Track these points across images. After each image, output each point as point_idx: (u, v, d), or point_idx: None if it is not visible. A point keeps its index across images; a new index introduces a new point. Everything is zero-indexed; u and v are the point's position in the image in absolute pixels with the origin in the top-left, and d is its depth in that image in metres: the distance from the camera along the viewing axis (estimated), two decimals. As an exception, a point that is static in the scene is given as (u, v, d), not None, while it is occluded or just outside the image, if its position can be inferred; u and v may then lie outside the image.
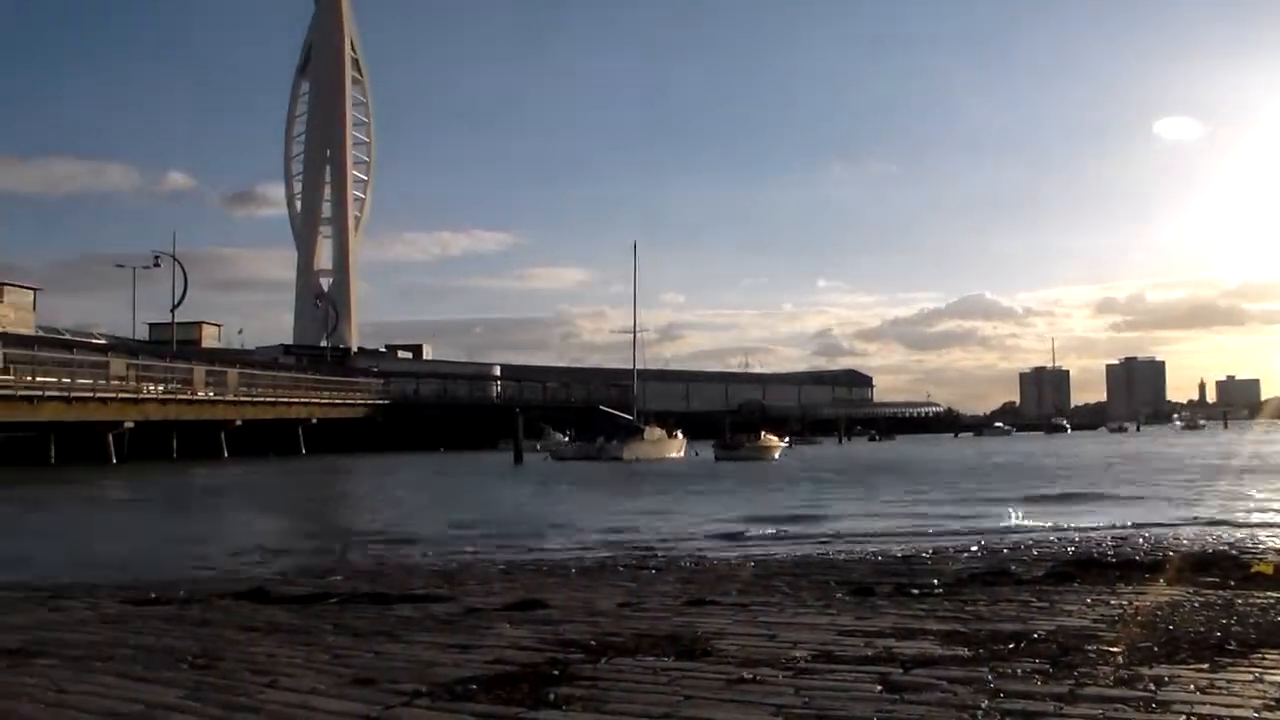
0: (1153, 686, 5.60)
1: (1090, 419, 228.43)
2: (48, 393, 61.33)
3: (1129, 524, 22.11)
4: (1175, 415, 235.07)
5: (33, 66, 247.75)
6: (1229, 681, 5.76)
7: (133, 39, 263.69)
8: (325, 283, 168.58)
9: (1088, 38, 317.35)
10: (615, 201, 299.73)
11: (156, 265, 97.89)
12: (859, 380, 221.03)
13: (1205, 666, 6.12)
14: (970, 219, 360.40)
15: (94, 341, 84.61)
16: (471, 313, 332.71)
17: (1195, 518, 23.80)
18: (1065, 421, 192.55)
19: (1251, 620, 7.91)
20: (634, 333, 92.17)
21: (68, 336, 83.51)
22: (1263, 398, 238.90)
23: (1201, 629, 7.47)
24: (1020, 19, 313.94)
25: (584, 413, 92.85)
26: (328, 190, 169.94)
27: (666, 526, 24.28)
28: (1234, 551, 14.72)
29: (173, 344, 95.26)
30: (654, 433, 76.08)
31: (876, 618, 8.38)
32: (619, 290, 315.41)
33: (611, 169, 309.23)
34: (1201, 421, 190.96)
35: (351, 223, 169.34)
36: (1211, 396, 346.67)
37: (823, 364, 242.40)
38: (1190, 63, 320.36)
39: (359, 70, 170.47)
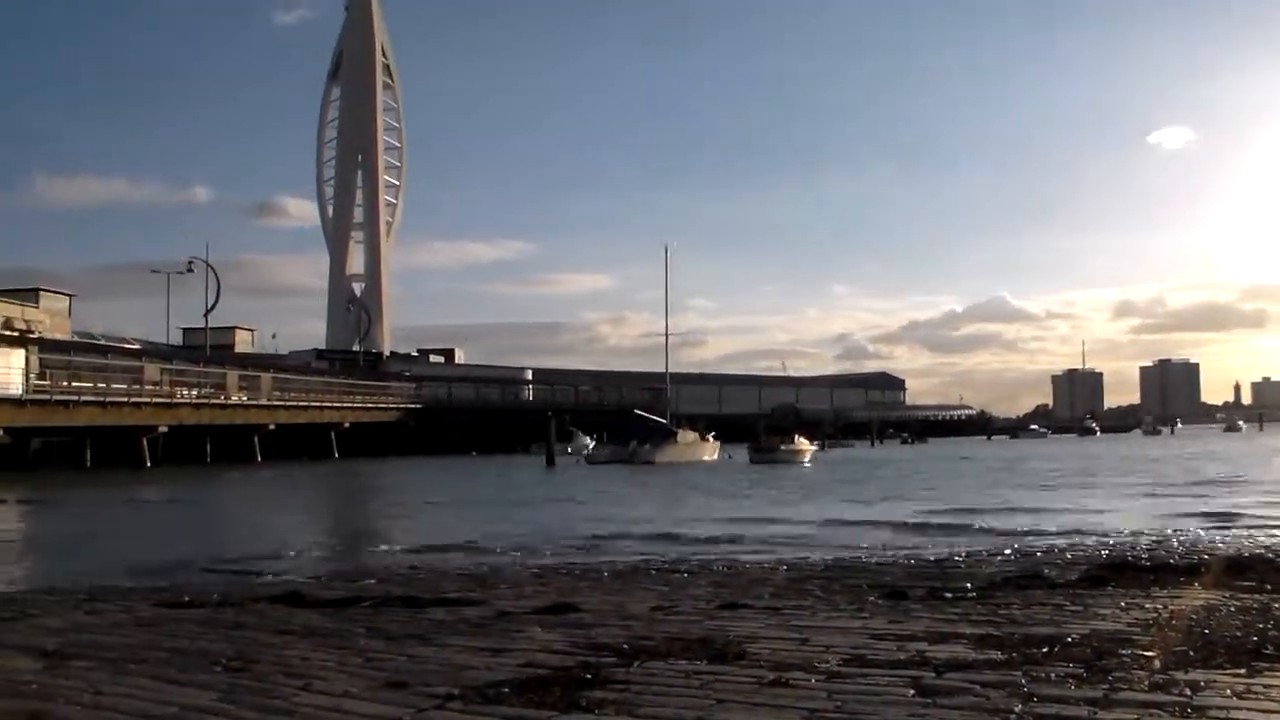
0: (1188, 691, 5.57)
1: (1122, 422, 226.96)
2: (83, 398, 61.67)
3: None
4: (1219, 415, 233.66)
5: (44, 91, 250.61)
6: (1266, 687, 5.71)
7: (146, 58, 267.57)
8: (357, 287, 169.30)
9: (1091, 43, 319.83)
10: (628, 209, 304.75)
11: (190, 270, 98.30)
12: (891, 383, 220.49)
13: (1242, 671, 6.07)
14: (977, 223, 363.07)
15: (128, 347, 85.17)
16: (490, 318, 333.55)
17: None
18: (1095, 424, 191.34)
19: (1288, 624, 7.85)
20: (665, 336, 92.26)
21: (103, 342, 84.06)
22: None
23: (1238, 633, 7.42)
24: (1023, 23, 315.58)
25: (617, 416, 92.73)
26: (359, 195, 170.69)
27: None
28: (1270, 555, 14.59)
29: (206, 349, 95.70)
30: (687, 436, 75.81)
31: (909, 621, 8.35)
32: (639, 296, 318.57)
33: (621, 177, 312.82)
34: (1240, 423, 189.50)
35: (383, 227, 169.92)
36: (1247, 398, 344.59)
37: (848, 368, 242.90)
38: (1193, 70, 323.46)
39: (390, 75, 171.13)
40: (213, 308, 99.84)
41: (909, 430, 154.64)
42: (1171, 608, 8.85)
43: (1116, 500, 32.03)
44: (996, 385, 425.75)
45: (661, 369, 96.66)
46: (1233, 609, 8.69)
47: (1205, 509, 26.76)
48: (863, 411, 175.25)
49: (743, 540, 21.00)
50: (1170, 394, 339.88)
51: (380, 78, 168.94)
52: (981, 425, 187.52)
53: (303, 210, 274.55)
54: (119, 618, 9.77)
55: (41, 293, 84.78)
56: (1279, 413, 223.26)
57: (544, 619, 8.88)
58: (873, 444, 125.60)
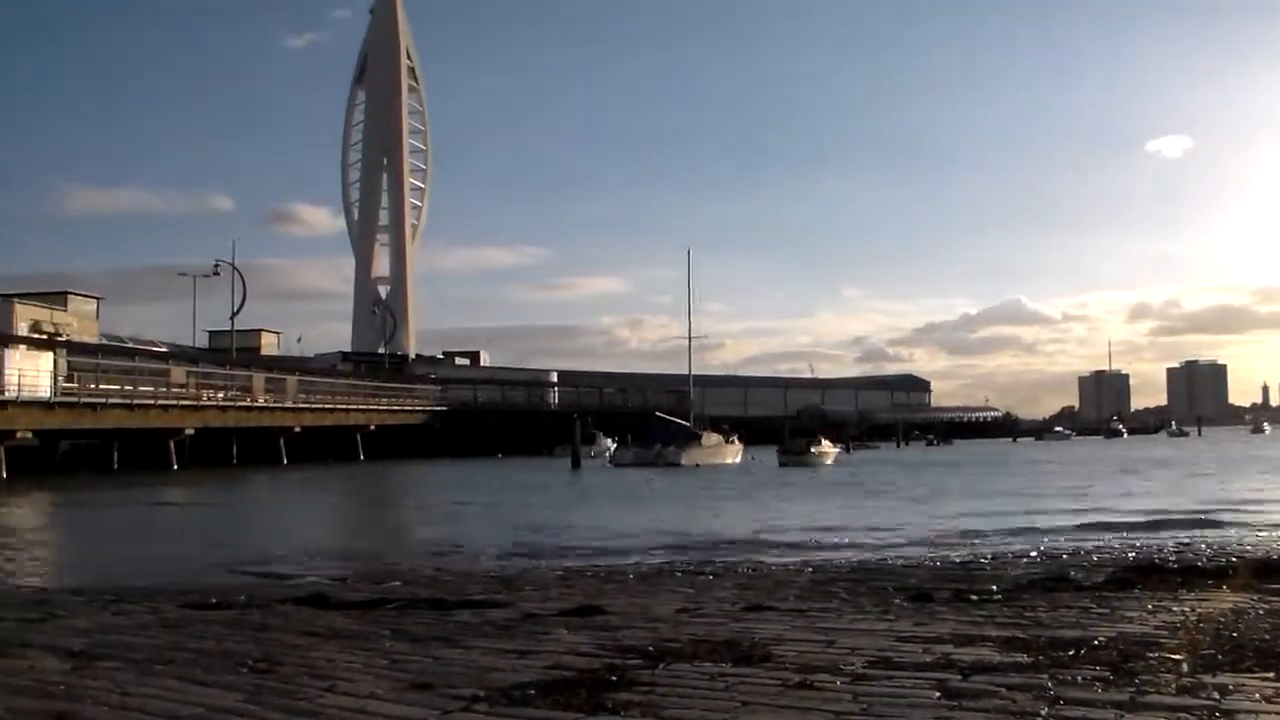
0: (1216, 695, 5.53)
1: (1149, 423, 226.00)
2: (111, 400, 61.98)
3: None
4: (1246, 417, 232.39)
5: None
6: (1295, 690, 5.67)
7: (164, 72, 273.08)
8: (382, 290, 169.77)
9: (1092, 50, 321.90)
10: (638, 213, 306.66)
11: (216, 274, 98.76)
12: (916, 384, 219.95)
13: (1271, 675, 6.02)
14: (981, 225, 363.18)
15: (155, 350, 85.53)
16: (505, 321, 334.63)
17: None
18: (1121, 426, 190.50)
19: (1318, 628, 7.79)
20: (689, 338, 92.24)
21: (130, 345, 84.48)
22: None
23: (1267, 636, 7.36)
24: (1027, 31, 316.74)
25: (641, 418, 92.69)
26: (384, 197, 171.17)
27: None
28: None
29: (232, 351, 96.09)
30: (711, 438, 75.67)
31: (935, 624, 8.32)
32: (655, 300, 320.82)
33: (630, 180, 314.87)
34: (1265, 425, 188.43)
35: (408, 230, 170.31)
36: (1275, 399, 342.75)
37: (869, 370, 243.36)
38: (1192, 78, 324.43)
39: (415, 78, 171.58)
40: (239, 310, 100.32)
41: (934, 432, 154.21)
42: (1199, 610, 8.79)
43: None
44: (1018, 387, 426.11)
45: (684, 371, 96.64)
46: (1261, 612, 8.62)
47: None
48: (887, 413, 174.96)
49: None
50: (1197, 395, 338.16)
51: (405, 80, 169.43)
52: (1007, 427, 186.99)
53: (316, 218, 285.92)
54: (145, 619, 9.81)
55: (69, 296, 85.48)
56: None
57: (570, 621, 8.89)
58: (898, 446, 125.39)
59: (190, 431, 68.13)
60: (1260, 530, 21.39)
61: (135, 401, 63.87)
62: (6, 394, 54.23)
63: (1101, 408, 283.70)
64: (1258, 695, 5.54)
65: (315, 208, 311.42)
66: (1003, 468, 62.69)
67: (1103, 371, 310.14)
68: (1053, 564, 15.12)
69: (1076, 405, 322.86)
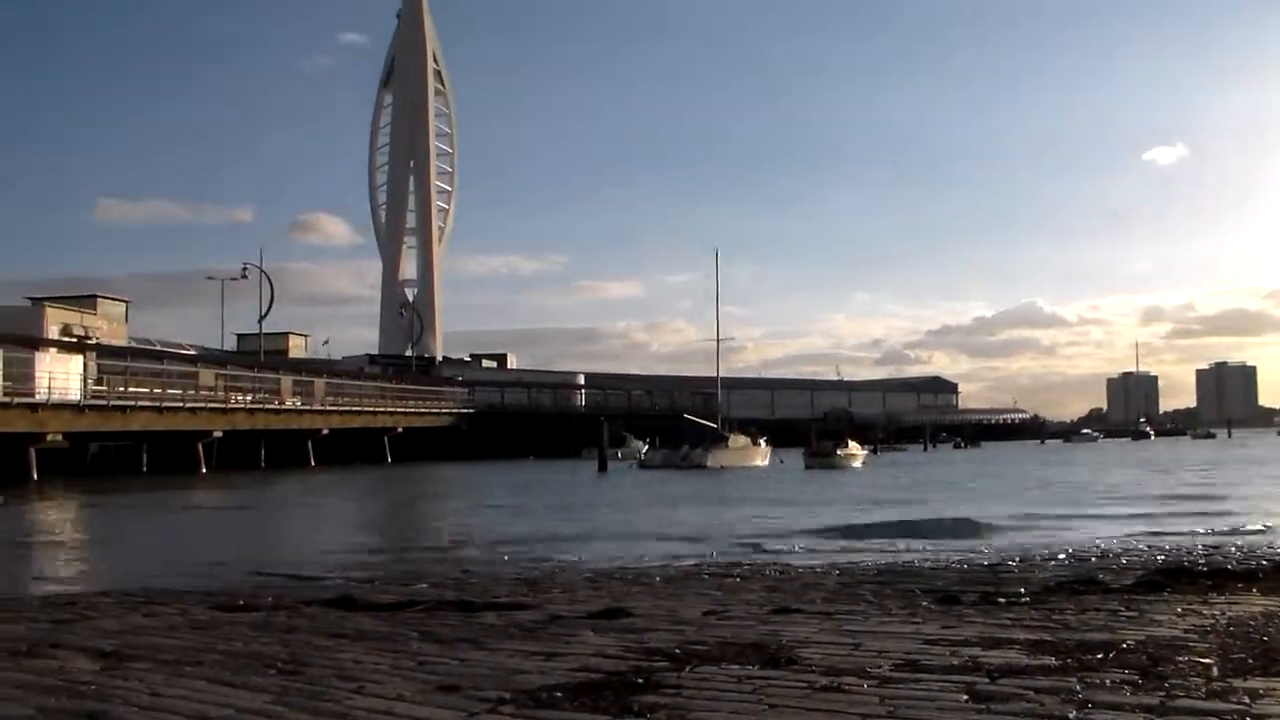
0: (1247, 699, 5.49)
1: (1178, 425, 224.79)
2: (140, 403, 62.34)
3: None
4: (1277, 419, 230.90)
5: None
6: (1326, 694, 5.63)
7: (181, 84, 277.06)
8: (410, 293, 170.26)
9: (1087, 60, 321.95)
10: (653, 219, 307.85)
11: (244, 276, 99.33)
12: (943, 387, 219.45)
13: (1302, 679, 5.99)
14: (985, 228, 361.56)
15: (184, 352, 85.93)
16: (525, 324, 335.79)
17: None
18: (1149, 428, 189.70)
19: (1350, 631, 7.74)
20: (716, 340, 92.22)
21: (159, 347, 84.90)
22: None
23: (1298, 640, 7.32)
24: (1023, 33, 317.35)
25: (668, 420, 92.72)
26: (411, 201, 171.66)
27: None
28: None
29: (260, 354, 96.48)
30: (738, 440, 75.50)
31: (962, 627, 8.30)
32: (673, 305, 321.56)
33: (645, 186, 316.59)
34: None
35: (435, 233, 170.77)
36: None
37: (890, 373, 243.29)
38: (1189, 87, 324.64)
39: (441, 82, 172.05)
40: (267, 313, 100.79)
41: (962, 434, 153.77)
42: (1229, 614, 8.73)
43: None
44: (1041, 389, 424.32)
45: (706, 373, 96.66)
46: (1292, 615, 8.58)
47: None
48: (914, 415, 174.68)
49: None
50: (1227, 397, 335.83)
51: (432, 83, 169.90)
52: (1034, 429, 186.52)
53: (334, 227, 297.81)
54: (175, 620, 9.87)
55: (99, 300, 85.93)
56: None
57: (596, 623, 8.90)
58: (925, 448, 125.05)
59: (219, 434, 68.44)
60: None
61: (164, 404, 64.23)
62: (37, 396, 54.59)
63: (1129, 409, 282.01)
64: (1288, 699, 5.51)
65: (334, 217, 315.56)
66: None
67: (1131, 373, 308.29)
68: (1081, 566, 15.05)
69: (1105, 407, 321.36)
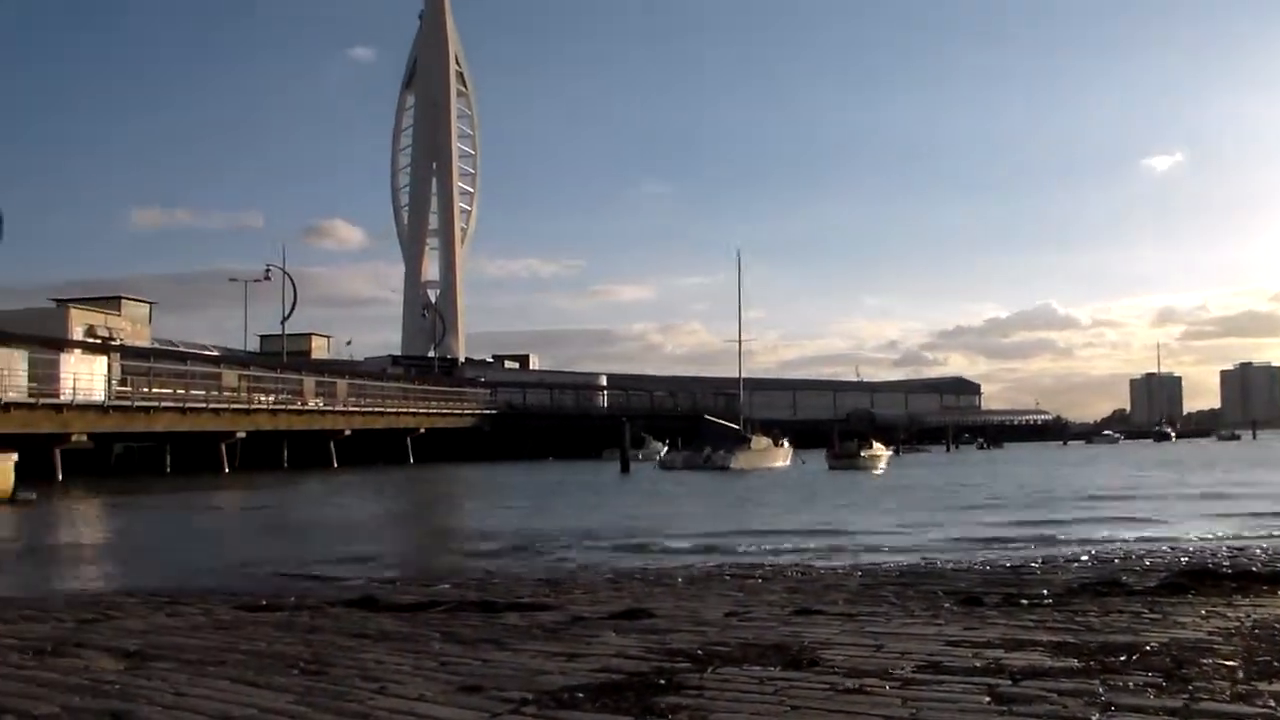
0: (1272, 703, 5.45)
1: (1202, 426, 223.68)
2: (163, 404, 62.72)
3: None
4: None
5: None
6: (1352, 697, 5.59)
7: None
8: (432, 294, 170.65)
9: (1088, 68, 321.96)
10: (664, 222, 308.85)
11: (267, 278, 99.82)
12: (966, 387, 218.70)
13: (1327, 682, 5.95)
14: (987, 230, 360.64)
15: (207, 354, 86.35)
16: (543, 325, 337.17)
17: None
18: (1170, 429, 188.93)
19: (1376, 634, 7.68)
20: (739, 341, 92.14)
21: (182, 349, 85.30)
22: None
23: (1323, 643, 7.27)
24: (1024, 39, 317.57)
25: (689, 421, 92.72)
26: (434, 202, 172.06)
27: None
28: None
29: (283, 355, 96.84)
30: (760, 442, 75.36)
31: (985, 628, 8.27)
32: (688, 307, 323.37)
33: (654, 189, 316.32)
34: None
35: (458, 234, 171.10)
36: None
37: (909, 374, 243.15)
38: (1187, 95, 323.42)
39: (464, 84, 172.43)
40: (290, 314, 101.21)
41: (985, 435, 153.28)
42: (1254, 616, 8.68)
43: None
44: (1062, 390, 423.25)
45: (725, 374, 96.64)
46: (1318, 618, 8.53)
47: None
48: (937, 416, 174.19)
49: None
50: (1252, 398, 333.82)
51: (454, 85, 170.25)
52: (1057, 430, 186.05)
53: (347, 231, 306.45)
54: (198, 620, 9.92)
55: (123, 301, 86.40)
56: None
57: (618, 624, 8.90)
58: (948, 449, 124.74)
59: (242, 434, 68.76)
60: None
61: (187, 405, 64.60)
62: (62, 397, 54.95)
63: (1153, 410, 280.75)
64: (1314, 703, 5.47)
65: (346, 223, 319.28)
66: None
67: (1154, 374, 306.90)
68: (1104, 568, 14.99)
69: (1128, 408, 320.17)
